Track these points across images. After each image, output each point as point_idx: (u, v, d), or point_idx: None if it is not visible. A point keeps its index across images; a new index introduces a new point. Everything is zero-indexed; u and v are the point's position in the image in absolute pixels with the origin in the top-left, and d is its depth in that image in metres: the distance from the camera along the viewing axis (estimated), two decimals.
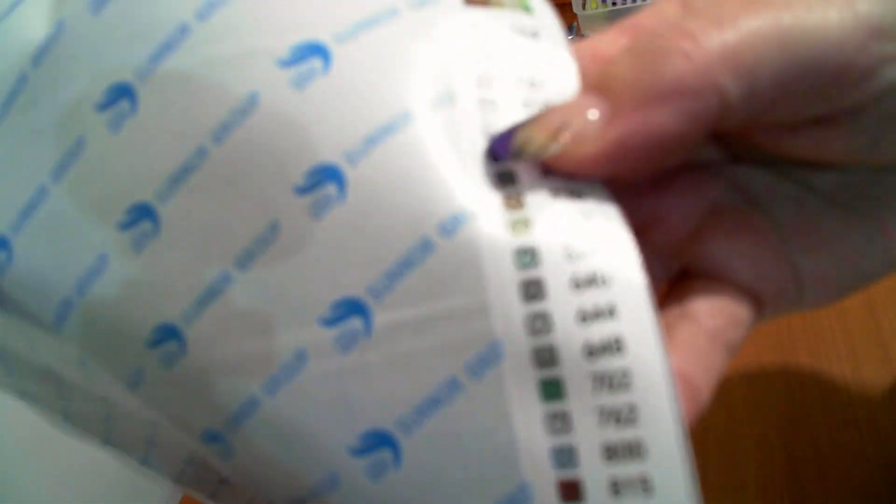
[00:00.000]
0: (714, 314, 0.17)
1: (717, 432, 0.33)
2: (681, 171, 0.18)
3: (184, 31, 0.15)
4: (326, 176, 0.14)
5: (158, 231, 0.15)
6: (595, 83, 0.14)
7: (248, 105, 0.14)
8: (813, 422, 0.32)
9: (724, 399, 0.34)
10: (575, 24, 0.55)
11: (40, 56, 0.16)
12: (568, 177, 0.14)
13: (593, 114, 0.13)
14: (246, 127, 0.14)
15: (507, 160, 0.14)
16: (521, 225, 0.13)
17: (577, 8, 0.53)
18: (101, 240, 0.15)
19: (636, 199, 0.18)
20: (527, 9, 0.17)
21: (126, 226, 0.15)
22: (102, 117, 0.15)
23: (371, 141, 0.14)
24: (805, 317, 0.35)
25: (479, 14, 0.15)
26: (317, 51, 0.14)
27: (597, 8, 0.53)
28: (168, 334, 0.15)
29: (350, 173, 0.14)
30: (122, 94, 0.15)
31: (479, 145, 0.14)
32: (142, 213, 0.15)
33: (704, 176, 0.18)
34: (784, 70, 0.13)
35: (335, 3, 0.15)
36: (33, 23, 0.16)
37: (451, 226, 0.13)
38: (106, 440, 0.21)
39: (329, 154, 0.14)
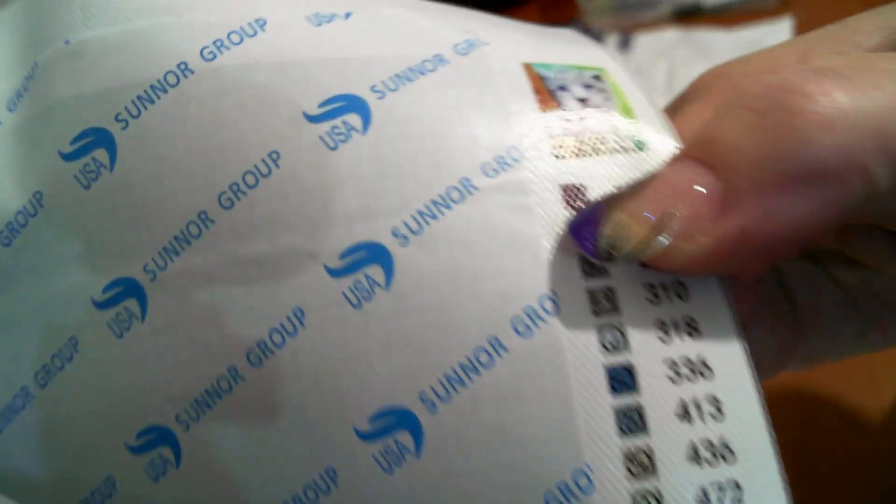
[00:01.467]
0: None
1: None
2: None
3: (203, 220, 0.11)
4: (397, 422, 0.11)
5: (181, 458, 0.12)
6: (699, 152, 0.11)
7: (293, 326, 0.11)
8: (826, 428, 0.31)
9: None
10: (578, 17, 0.51)
11: (12, 234, 0.13)
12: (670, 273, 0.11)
13: (701, 194, 0.10)
14: (289, 351, 0.11)
15: (595, 257, 0.11)
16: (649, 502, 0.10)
17: None
18: (108, 459, 0.12)
19: None
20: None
21: (139, 450, 0.12)
22: (103, 317, 0.12)
23: (452, 381, 0.11)
24: None
25: None
26: (376, 255, 0.11)
27: None
28: None
29: (428, 425, 0.11)
30: (128, 292, 0.12)
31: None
32: (159, 439, 0.12)
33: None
34: None
35: (391, 177, 0.12)
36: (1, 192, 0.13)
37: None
38: None
39: (399, 394, 0.11)
